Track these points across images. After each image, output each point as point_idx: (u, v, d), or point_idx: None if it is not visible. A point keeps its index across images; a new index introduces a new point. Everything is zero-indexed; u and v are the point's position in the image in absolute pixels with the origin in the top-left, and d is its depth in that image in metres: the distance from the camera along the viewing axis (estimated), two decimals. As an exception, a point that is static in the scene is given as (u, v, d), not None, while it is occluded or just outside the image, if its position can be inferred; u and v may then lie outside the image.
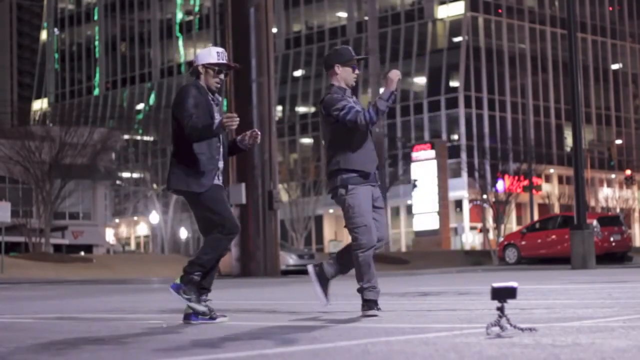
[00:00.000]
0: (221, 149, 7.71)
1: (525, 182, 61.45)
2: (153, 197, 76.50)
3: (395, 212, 77.95)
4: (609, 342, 5.13)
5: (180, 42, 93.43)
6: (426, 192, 69.42)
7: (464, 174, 71.62)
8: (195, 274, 7.53)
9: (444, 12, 78.59)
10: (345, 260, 7.88)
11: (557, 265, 31.96)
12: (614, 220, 37.47)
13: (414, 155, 69.99)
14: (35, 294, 17.91)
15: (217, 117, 7.64)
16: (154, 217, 77.78)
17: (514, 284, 5.57)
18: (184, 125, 7.48)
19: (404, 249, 73.60)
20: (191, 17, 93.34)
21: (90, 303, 13.32)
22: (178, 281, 7.55)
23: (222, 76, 7.70)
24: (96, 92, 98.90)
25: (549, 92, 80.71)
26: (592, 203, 74.33)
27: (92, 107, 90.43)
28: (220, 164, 7.71)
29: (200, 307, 7.49)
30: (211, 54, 7.73)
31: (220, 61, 7.70)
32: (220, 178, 7.69)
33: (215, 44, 46.67)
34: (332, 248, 46.46)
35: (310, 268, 7.87)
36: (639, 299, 9.36)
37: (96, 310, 10.75)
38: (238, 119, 7.39)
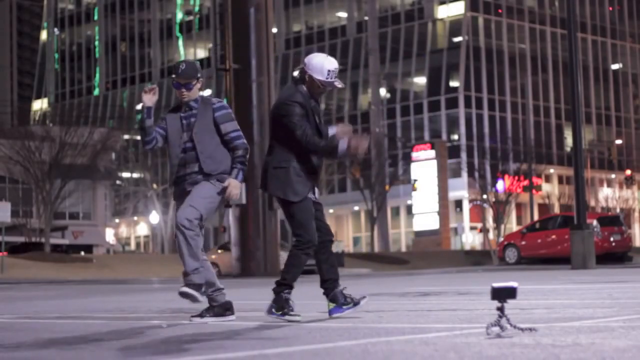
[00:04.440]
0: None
1: (525, 182, 61.48)
2: (153, 197, 76.48)
3: (395, 212, 77.96)
4: (609, 342, 5.13)
5: (180, 42, 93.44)
6: (426, 192, 69.41)
7: (464, 174, 71.63)
8: (284, 292, 7.62)
9: (444, 12, 78.58)
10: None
11: (557, 265, 31.96)
12: (614, 220, 37.46)
13: (414, 155, 69.98)
14: (35, 294, 17.91)
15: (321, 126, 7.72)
16: (154, 217, 77.78)
17: (514, 284, 5.57)
18: (298, 137, 7.50)
19: (404, 249, 73.61)
20: (191, 17, 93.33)
21: (90, 303, 13.32)
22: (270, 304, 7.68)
23: (327, 90, 7.69)
24: (96, 92, 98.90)
25: (549, 92, 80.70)
26: (592, 203, 74.33)
27: (92, 107, 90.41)
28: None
29: (296, 317, 7.55)
30: (322, 70, 7.59)
31: (329, 80, 7.59)
32: (315, 190, 7.76)
33: (215, 44, 46.63)
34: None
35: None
36: (639, 299, 9.36)
37: (96, 310, 10.75)
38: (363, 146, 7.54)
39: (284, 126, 7.60)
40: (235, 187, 7.88)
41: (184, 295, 7.72)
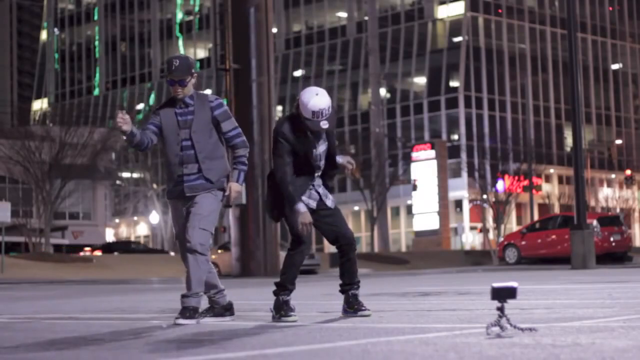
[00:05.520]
0: (317, 178, 7.82)
1: (525, 182, 61.43)
2: (153, 197, 76.47)
3: (395, 212, 77.94)
4: (609, 342, 5.13)
5: (180, 42, 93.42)
6: (426, 192, 69.40)
7: (464, 174, 71.60)
8: (281, 295, 7.73)
9: (444, 12, 78.58)
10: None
11: (557, 265, 31.96)
12: (614, 220, 37.47)
13: (414, 155, 69.96)
14: (35, 294, 17.92)
15: (321, 148, 7.70)
16: (154, 217, 77.78)
17: (514, 284, 5.58)
18: (275, 175, 7.66)
19: (404, 249, 73.59)
20: (191, 17, 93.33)
21: (90, 303, 13.32)
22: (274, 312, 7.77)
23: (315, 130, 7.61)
24: (96, 92, 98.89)
25: (549, 92, 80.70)
26: (592, 203, 74.31)
27: (92, 107, 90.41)
28: (318, 188, 7.81)
29: (290, 319, 7.61)
30: (307, 110, 7.43)
31: (314, 120, 7.42)
32: (313, 196, 7.77)
33: (215, 44, 46.61)
34: (332, 248, 46.86)
35: None
36: (639, 299, 9.36)
37: (96, 310, 10.75)
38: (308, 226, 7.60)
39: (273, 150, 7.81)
40: (236, 191, 7.88)
41: (179, 325, 7.71)
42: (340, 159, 7.85)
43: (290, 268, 7.75)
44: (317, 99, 7.46)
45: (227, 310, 8.10)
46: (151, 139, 7.94)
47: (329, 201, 7.84)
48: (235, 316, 8.16)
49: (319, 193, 7.82)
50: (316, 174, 7.78)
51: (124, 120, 7.70)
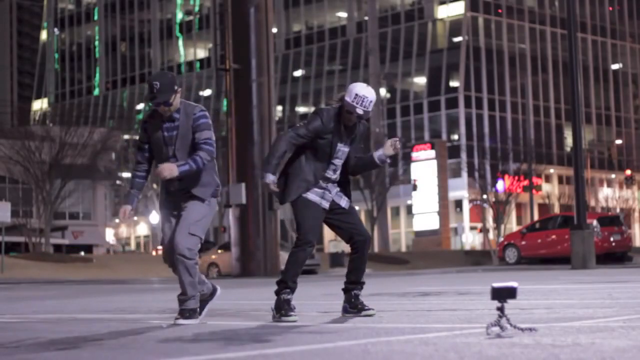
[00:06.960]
0: (331, 174, 7.84)
1: (525, 182, 61.44)
2: (153, 197, 76.46)
3: (395, 212, 77.94)
4: (609, 342, 5.13)
5: (180, 42, 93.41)
6: (426, 192, 69.39)
7: (464, 174, 71.61)
8: (282, 293, 7.72)
9: (444, 12, 78.58)
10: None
11: (557, 265, 31.97)
12: (614, 220, 37.46)
13: (414, 155, 69.97)
14: (35, 294, 17.92)
15: (344, 149, 7.79)
16: (154, 217, 77.75)
17: (514, 284, 5.58)
18: (279, 136, 7.77)
19: (404, 249, 73.58)
20: (191, 17, 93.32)
21: (90, 303, 13.32)
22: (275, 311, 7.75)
23: (353, 117, 7.64)
24: (96, 92, 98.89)
25: (549, 92, 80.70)
26: (592, 203, 74.31)
27: (92, 107, 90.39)
28: (332, 189, 7.85)
29: (291, 319, 7.58)
30: (351, 93, 7.60)
31: (352, 103, 7.56)
32: (326, 197, 7.82)
33: (215, 44, 46.64)
34: (332, 248, 46.72)
35: None
36: (639, 299, 9.36)
37: (96, 310, 10.76)
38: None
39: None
40: (168, 169, 7.59)
41: (179, 325, 7.69)
42: (388, 145, 8.09)
43: (292, 265, 7.76)
44: (365, 87, 7.68)
45: (212, 292, 8.11)
46: (146, 172, 8.00)
47: (344, 202, 7.90)
48: (220, 290, 8.17)
49: (331, 193, 7.86)
50: (329, 171, 7.78)
51: (130, 215, 8.00)
